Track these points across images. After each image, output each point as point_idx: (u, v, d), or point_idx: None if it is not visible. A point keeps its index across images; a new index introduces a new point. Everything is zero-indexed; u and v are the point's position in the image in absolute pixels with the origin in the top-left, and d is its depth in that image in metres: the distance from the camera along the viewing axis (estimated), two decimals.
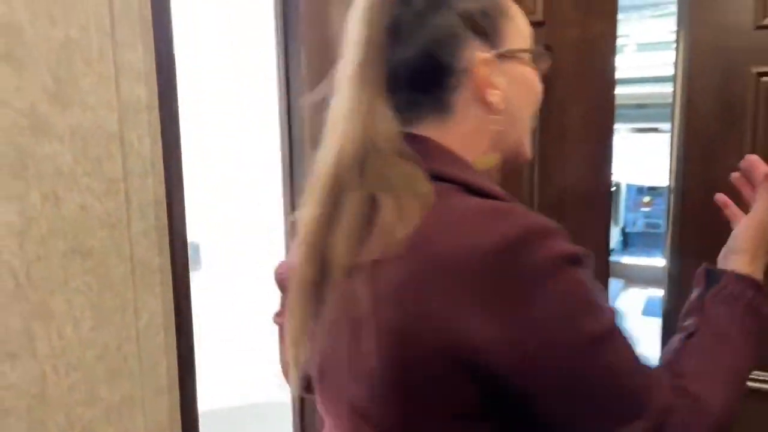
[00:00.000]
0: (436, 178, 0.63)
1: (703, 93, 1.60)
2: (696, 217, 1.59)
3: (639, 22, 5.37)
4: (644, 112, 6.86)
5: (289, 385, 0.75)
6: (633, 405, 0.59)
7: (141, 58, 1.07)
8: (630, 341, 0.61)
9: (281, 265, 0.84)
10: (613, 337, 0.60)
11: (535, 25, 1.60)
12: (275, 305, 0.86)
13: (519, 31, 0.72)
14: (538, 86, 0.74)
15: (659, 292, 3.07)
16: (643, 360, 0.61)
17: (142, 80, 1.08)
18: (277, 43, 1.81)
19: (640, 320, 4.38)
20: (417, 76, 0.66)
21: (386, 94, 0.64)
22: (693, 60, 1.60)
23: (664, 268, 1.70)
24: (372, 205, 0.61)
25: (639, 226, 6.42)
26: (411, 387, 0.59)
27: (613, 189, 8.30)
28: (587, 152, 1.60)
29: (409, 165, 0.63)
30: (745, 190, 0.82)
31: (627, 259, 5.92)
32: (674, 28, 1.71)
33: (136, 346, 1.13)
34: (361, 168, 0.62)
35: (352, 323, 0.61)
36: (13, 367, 0.97)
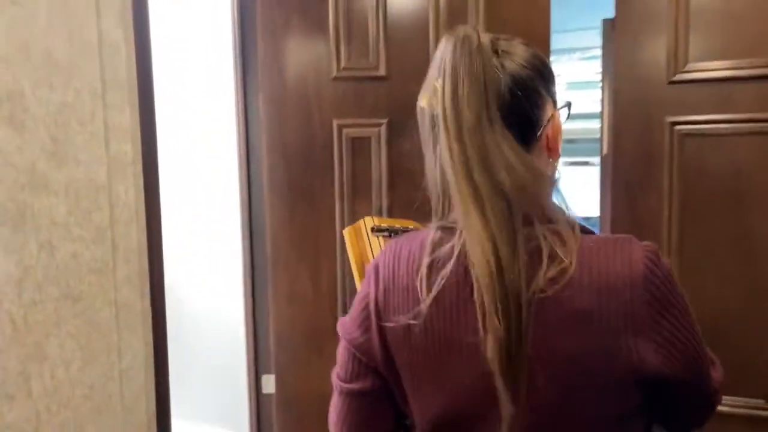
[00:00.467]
0: None
1: (625, 138, 1.85)
2: None
3: (569, 63, 5.82)
4: (576, 146, 7.30)
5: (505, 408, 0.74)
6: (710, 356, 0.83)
7: (128, 118, 1.19)
8: None
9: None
10: None
11: None
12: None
13: None
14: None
15: None
16: None
17: (128, 138, 1.20)
18: (237, 93, 1.95)
19: None
20: (524, 131, 0.80)
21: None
22: (615, 108, 1.86)
23: None
24: (538, 237, 0.73)
25: None
26: (593, 397, 0.74)
27: None
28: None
29: (554, 202, 0.79)
30: None
31: None
32: (600, 69, 1.97)
33: (119, 385, 1.22)
34: (529, 204, 0.74)
35: (538, 346, 0.71)
36: (10, 408, 1.05)
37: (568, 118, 0.93)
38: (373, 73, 1.86)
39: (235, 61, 2.00)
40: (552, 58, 6.78)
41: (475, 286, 0.72)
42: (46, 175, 1.06)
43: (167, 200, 1.51)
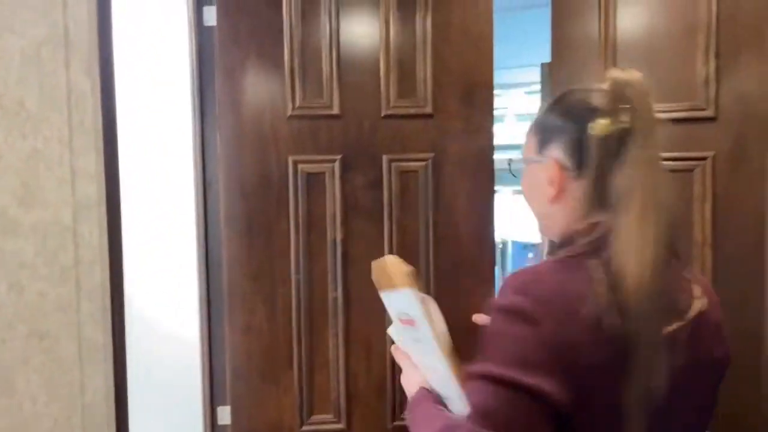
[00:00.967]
0: None
1: None
2: None
3: (516, 96, 6.14)
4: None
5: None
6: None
7: (93, 162, 1.28)
8: None
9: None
10: None
11: (426, 116, 1.97)
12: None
13: None
14: None
15: None
16: None
17: (93, 181, 1.28)
18: (194, 131, 2.04)
19: None
20: None
21: None
22: None
23: None
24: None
25: None
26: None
27: (501, 246, 8.95)
28: (472, 221, 1.99)
29: None
30: None
31: None
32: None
33: (81, 419, 1.29)
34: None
35: (694, 359, 0.92)
36: None
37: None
38: (327, 112, 1.97)
39: (193, 100, 2.09)
40: (499, 92, 7.09)
41: None
42: (16, 218, 1.14)
43: (128, 237, 1.59)
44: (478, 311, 1.46)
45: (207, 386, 2.20)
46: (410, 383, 1.05)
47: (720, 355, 0.97)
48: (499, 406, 0.84)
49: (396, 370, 1.98)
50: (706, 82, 1.93)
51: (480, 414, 0.84)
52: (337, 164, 1.99)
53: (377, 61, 1.99)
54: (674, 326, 0.89)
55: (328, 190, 2.00)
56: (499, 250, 8.98)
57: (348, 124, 1.98)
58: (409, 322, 1.00)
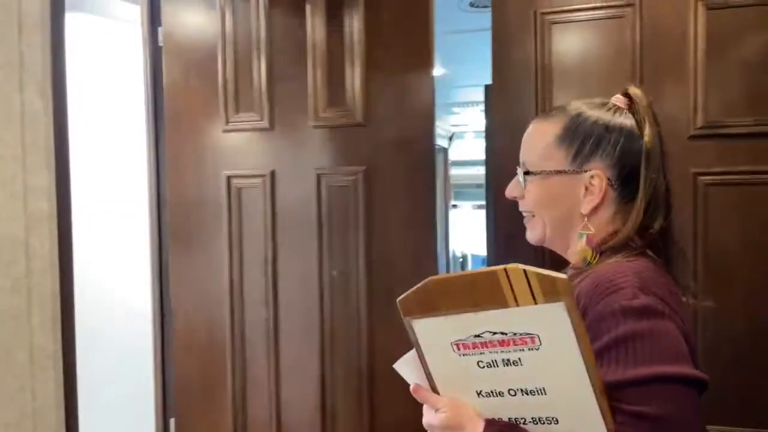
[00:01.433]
0: None
1: (499, 188, 2.16)
2: None
3: (474, 114, 6.31)
4: (482, 191, 7.82)
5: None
6: None
7: (45, 179, 1.37)
8: None
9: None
10: None
11: (357, 126, 1.92)
12: None
13: None
14: None
15: None
16: None
17: (45, 196, 1.38)
18: (149, 148, 2.13)
19: None
20: None
21: None
22: (492, 161, 2.16)
23: None
24: None
25: None
26: None
27: (461, 260, 9.07)
28: (410, 238, 1.92)
29: None
30: None
31: None
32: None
33: (32, 423, 1.37)
34: None
35: None
36: None
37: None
38: (258, 125, 1.97)
39: (148, 119, 2.18)
40: (459, 110, 7.26)
41: None
42: None
43: (80, 250, 1.67)
44: None
45: (160, 400, 2.27)
46: (464, 418, 0.96)
47: None
48: (684, 405, 0.90)
49: (336, 397, 1.98)
50: None
51: (669, 420, 0.88)
52: (267, 179, 1.96)
53: (305, 79, 1.95)
54: None
55: (259, 206, 1.98)
56: (459, 264, 9.16)
57: (279, 136, 1.97)
58: (505, 343, 0.91)
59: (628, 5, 2.10)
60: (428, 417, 1.01)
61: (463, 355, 0.94)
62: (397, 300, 0.94)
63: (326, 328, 1.94)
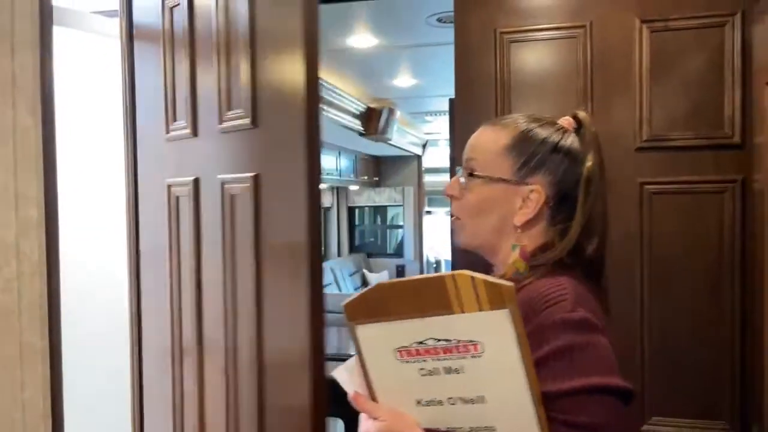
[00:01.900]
0: None
1: None
2: None
3: (446, 123, 6.49)
4: None
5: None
6: None
7: (35, 188, 1.51)
8: None
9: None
10: None
11: (248, 129, 1.68)
12: None
13: None
14: None
15: None
16: None
17: (34, 204, 1.52)
18: (127, 157, 2.27)
19: None
20: None
21: None
22: (457, 161, 2.32)
23: None
24: None
25: None
26: None
27: (435, 265, 9.22)
28: (291, 249, 1.63)
29: None
30: None
31: None
32: None
33: (21, 412, 1.50)
34: None
35: None
36: None
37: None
38: (185, 131, 1.94)
39: (126, 128, 2.30)
40: (432, 118, 7.42)
41: None
42: None
43: (65, 255, 1.80)
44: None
45: (137, 414, 2.36)
46: (403, 427, 0.96)
47: None
48: (613, 416, 0.94)
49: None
50: None
51: (600, 429, 0.92)
52: (191, 187, 1.93)
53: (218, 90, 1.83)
54: None
55: (185, 216, 1.96)
56: (433, 269, 9.33)
57: (200, 142, 1.92)
58: (448, 350, 0.91)
59: (579, 27, 2.29)
60: (366, 425, 1.00)
61: (406, 362, 0.93)
62: (342, 304, 0.94)
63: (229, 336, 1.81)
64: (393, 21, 3.75)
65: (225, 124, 1.76)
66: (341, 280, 8.87)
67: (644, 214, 2.24)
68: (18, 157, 1.47)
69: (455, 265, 2.41)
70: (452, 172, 2.36)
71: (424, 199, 9.22)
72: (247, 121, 1.68)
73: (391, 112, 6.71)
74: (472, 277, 0.86)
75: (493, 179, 1.16)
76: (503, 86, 2.39)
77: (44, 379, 1.56)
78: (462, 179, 1.21)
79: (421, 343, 0.91)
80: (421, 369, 0.92)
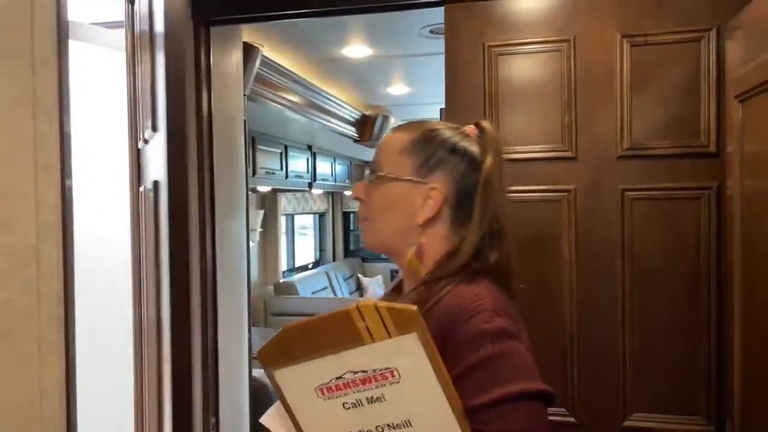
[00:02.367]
0: None
1: None
2: None
3: None
4: None
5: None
6: None
7: (53, 194, 1.64)
8: None
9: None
10: None
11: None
12: None
13: None
14: None
15: None
16: None
17: (53, 210, 1.64)
18: (131, 162, 2.40)
19: None
20: None
21: None
22: None
23: None
24: None
25: None
26: None
27: None
28: None
29: None
30: None
31: None
32: None
33: (39, 402, 1.62)
34: None
35: None
36: None
37: None
38: (149, 138, 2.22)
39: (130, 137, 2.44)
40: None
41: None
42: None
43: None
44: None
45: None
46: None
47: None
48: (537, 419, 0.97)
49: None
50: (569, 127, 2.42)
51: None
52: (151, 191, 2.25)
53: (184, 98, 2.25)
54: None
55: (153, 218, 2.31)
56: None
57: (170, 149, 2.18)
58: (367, 381, 0.93)
59: (564, 41, 2.43)
60: None
61: (329, 398, 0.95)
62: (256, 352, 0.96)
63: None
64: (387, 32, 3.89)
65: None
66: (336, 285, 8.99)
67: (626, 219, 2.38)
68: (38, 165, 1.59)
69: None
70: None
71: None
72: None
73: (385, 119, 6.87)
74: (377, 307, 0.89)
75: (394, 178, 1.20)
76: (491, 97, 2.52)
77: (60, 373, 1.68)
78: (366, 181, 1.26)
79: (339, 378, 0.93)
80: (345, 403, 0.95)
